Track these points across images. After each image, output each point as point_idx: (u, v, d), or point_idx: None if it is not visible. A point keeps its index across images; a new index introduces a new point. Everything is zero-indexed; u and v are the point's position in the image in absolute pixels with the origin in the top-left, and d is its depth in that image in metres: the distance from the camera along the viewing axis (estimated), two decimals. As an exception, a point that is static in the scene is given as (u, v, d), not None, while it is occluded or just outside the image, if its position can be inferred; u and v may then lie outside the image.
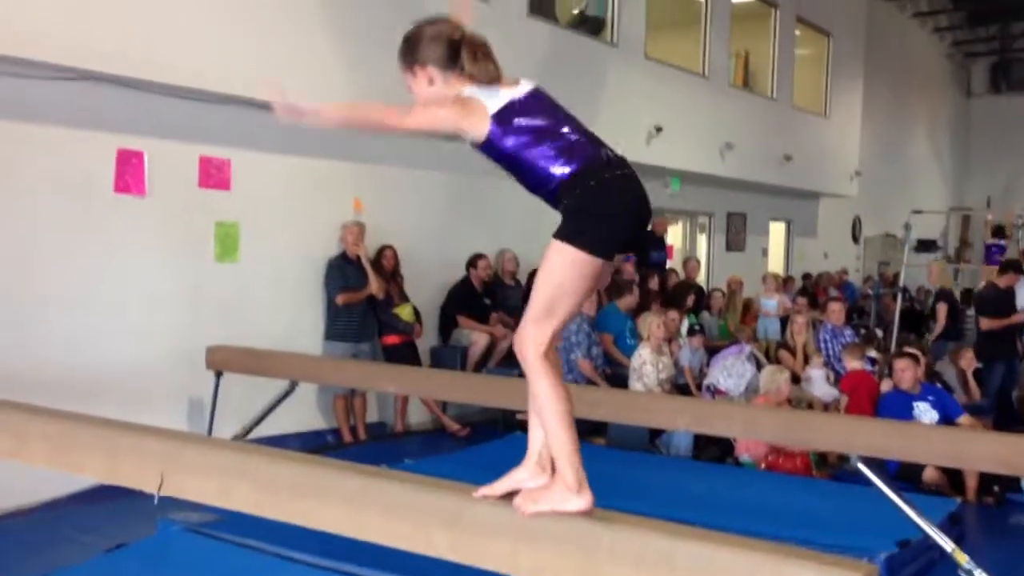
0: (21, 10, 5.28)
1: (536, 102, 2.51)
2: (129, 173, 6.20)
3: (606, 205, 2.37)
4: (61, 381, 5.74)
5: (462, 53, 2.50)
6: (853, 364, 7.61)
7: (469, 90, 2.49)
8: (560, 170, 2.41)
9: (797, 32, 14.32)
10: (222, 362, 6.01)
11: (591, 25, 10.26)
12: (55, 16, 5.43)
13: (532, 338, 2.35)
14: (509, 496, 2.37)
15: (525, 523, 2.23)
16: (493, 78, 2.49)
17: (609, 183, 2.39)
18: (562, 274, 2.34)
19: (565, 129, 2.46)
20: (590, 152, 2.43)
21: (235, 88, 6.47)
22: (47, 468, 2.96)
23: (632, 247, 2.58)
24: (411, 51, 2.54)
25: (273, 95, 2.44)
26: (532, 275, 9.32)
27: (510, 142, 2.43)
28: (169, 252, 6.58)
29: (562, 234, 2.36)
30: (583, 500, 2.31)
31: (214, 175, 6.78)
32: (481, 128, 2.44)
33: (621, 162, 2.48)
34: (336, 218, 7.68)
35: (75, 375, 5.88)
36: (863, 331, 11.00)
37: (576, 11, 10.70)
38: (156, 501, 2.68)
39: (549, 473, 2.43)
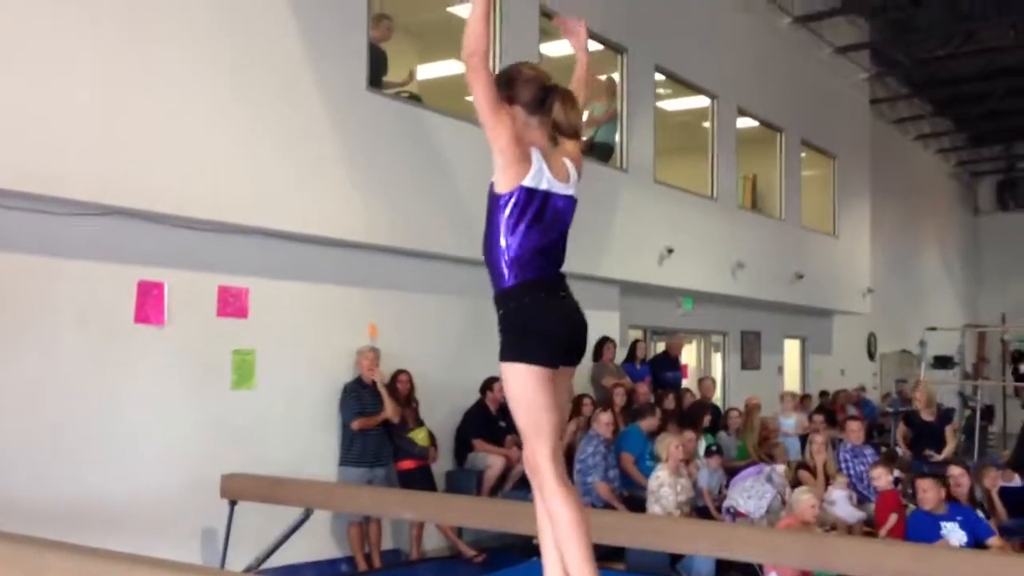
0: (45, 150, 5.49)
1: (559, 209, 2.65)
2: (149, 304, 6.31)
3: (535, 322, 2.53)
4: (77, 512, 5.72)
5: (553, 99, 2.66)
6: (885, 482, 7.50)
7: (535, 152, 2.63)
8: (507, 279, 2.57)
9: (803, 155, 14.64)
10: (237, 490, 5.97)
11: (601, 151, 10.53)
12: (79, 155, 5.65)
13: (540, 458, 2.45)
14: None
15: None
16: (576, 129, 2.68)
17: (538, 302, 2.55)
18: (522, 392, 2.49)
19: (540, 247, 2.59)
20: (535, 273, 2.57)
21: (253, 219, 6.68)
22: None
23: (570, 358, 2.68)
24: (505, 85, 2.68)
25: None
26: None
27: (506, 213, 2.57)
28: (186, 380, 6.63)
29: (505, 355, 2.53)
30: None
31: (232, 303, 6.88)
32: (508, 184, 2.58)
33: (557, 284, 2.63)
34: (351, 344, 7.74)
35: (91, 505, 5.86)
36: (884, 449, 10.83)
37: (585, 137, 11.00)
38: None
39: None
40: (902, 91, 18.44)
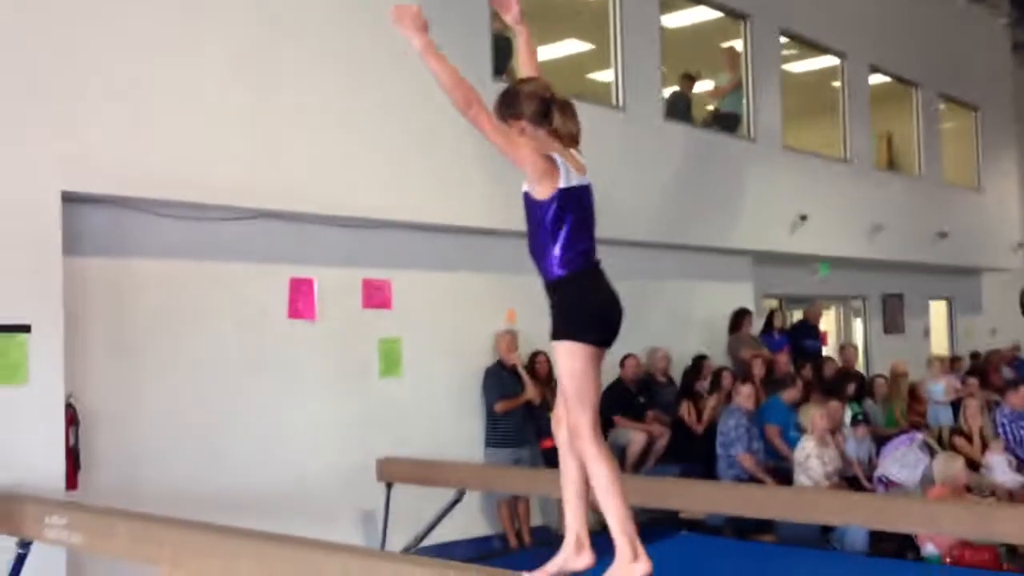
0: (200, 162, 5.90)
1: (586, 198, 2.92)
2: (300, 300, 6.66)
3: (586, 305, 2.81)
4: (242, 500, 6.10)
5: (553, 110, 2.91)
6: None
7: (557, 156, 2.88)
8: (559, 270, 2.84)
9: (942, 107, 14.06)
10: (392, 474, 6.26)
11: (727, 122, 10.41)
12: (230, 164, 6.03)
13: (583, 425, 2.73)
14: None
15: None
16: (574, 135, 2.94)
17: (588, 290, 2.84)
18: (571, 367, 2.77)
19: (582, 236, 2.87)
20: (583, 262, 2.86)
21: (391, 213, 6.96)
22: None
23: (610, 341, 2.93)
24: (508, 104, 2.93)
25: (400, 11, 2.77)
26: (686, 373, 9.32)
27: (550, 216, 2.83)
28: (338, 371, 6.97)
29: (558, 335, 2.81)
30: (642, 566, 2.64)
31: (376, 295, 7.18)
32: (547, 192, 2.84)
33: (599, 271, 2.91)
34: (490, 328, 7.95)
35: (257, 495, 6.24)
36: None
37: (710, 108, 10.89)
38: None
39: (588, 549, 2.79)
40: (1046, 33, 17.41)
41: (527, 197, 2.90)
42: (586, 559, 2.78)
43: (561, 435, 2.93)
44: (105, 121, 5.51)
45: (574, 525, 2.82)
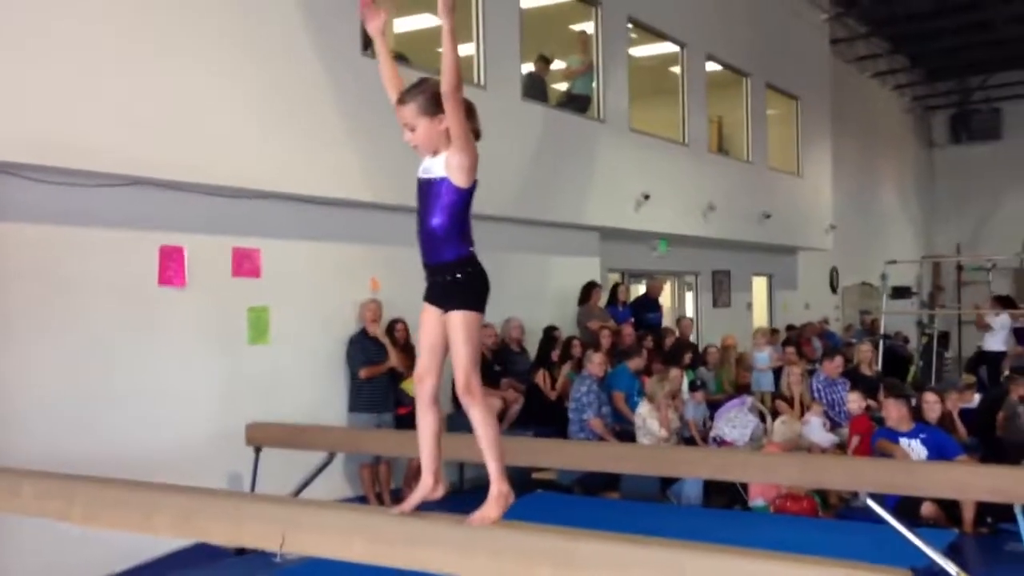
0: (71, 125, 5.79)
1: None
2: (171, 268, 6.67)
3: (484, 282, 3.23)
4: (116, 463, 6.08)
5: (473, 111, 3.21)
6: (858, 407, 8.09)
7: None
8: (461, 249, 3.20)
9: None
10: (261, 438, 6.37)
11: (579, 103, 10.90)
12: (102, 129, 5.95)
13: (475, 386, 3.13)
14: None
15: (624, 555, 2.66)
16: (478, 132, 3.23)
17: (480, 267, 3.25)
18: (470, 334, 3.18)
19: (470, 223, 3.26)
20: (471, 244, 3.26)
21: (264, 183, 7.03)
22: (173, 537, 3.36)
23: None
24: (437, 102, 3.10)
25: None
26: (542, 343, 9.79)
27: (464, 203, 3.17)
28: (207, 338, 7.02)
29: (469, 306, 3.19)
30: (511, 497, 3.10)
31: (246, 264, 7.25)
32: (468, 180, 3.17)
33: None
34: (355, 297, 8.15)
35: (129, 457, 6.23)
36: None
37: (563, 89, 11.35)
38: (278, 558, 3.08)
39: (442, 484, 3.19)
40: (860, 30, 18.90)
41: (444, 183, 3.15)
42: (440, 491, 3.18)
43: (424, 391, 3.24)
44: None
45: (432, 466, 3.20)
